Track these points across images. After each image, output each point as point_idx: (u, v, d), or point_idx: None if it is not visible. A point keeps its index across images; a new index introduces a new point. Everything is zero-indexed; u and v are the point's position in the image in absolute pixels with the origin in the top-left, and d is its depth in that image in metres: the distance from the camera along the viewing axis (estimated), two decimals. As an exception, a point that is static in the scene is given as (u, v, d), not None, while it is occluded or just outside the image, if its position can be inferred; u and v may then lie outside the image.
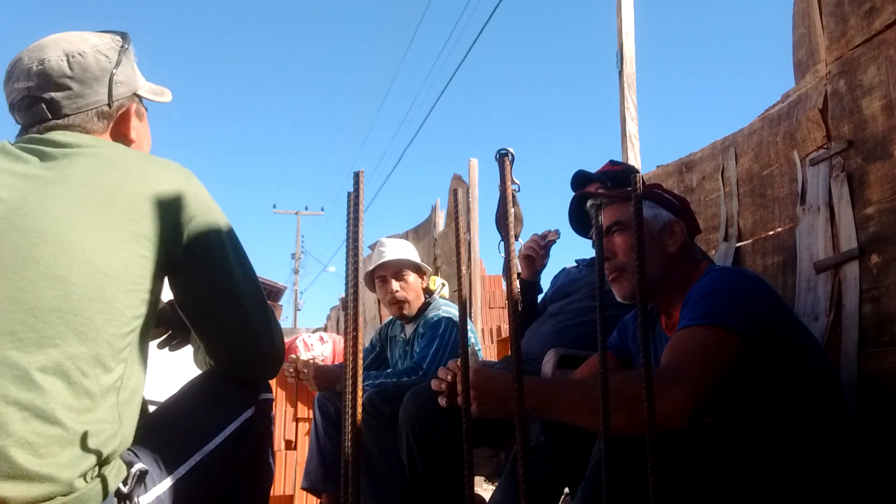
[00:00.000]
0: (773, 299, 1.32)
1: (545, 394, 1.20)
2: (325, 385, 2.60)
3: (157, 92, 1.36)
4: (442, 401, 1.38)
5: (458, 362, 1.34)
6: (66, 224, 1.03)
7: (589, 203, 1.59)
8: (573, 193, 1.72)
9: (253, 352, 1.27)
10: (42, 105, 1.18)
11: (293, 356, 3.02)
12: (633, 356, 1.61)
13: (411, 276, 2.80)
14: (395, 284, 2.77)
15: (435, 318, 2.69)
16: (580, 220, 1.69)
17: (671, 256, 1.46)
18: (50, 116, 1.19)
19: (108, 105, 1.23)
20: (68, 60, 1.19)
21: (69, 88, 1.19)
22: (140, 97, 1.32)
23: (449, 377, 1.37)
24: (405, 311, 2.79)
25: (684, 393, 1.08)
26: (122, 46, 1.26)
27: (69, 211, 1.04)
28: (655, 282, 1.42)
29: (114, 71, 1.23)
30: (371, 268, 2.85)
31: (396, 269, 2.79)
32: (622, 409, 1.02)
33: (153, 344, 1.43)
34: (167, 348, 1.46)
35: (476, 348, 2.82)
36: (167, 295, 1.24)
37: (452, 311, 2.78)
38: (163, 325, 1.42)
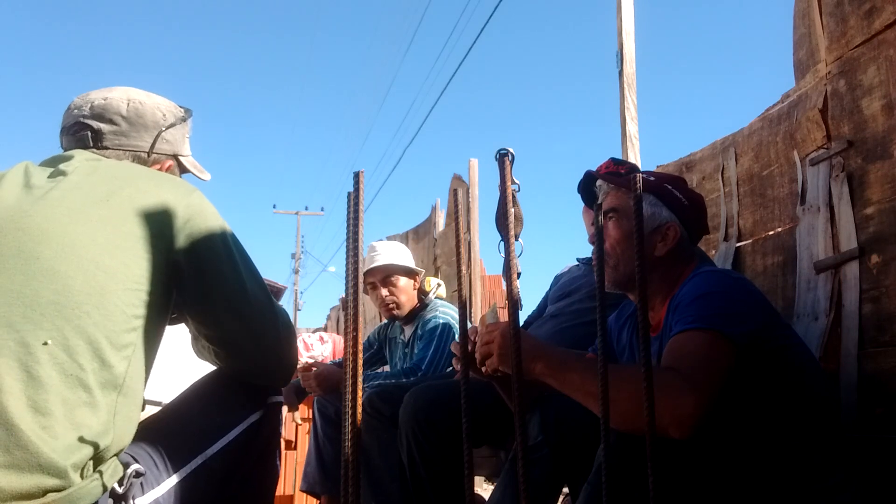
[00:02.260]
0: (760, 302, 1.31)
1: (561, 365, 1.20)
2: (329, 388, 2.59)
3: (198, 167, 1.45)
4: (456, 364, 1.39)
5: (482, 326, 1.35)
6: (68, 224, 1.05)
7: (598, 182, 1.59)
8: (578, 189, 1.72)
9: (263, 361, 1.28)
10: (88, 132, 1.28)
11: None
12: (619, 357, 1.61)
13: (401, 280, 2.80)
14: (383, 291, 2.78)
15: (432, 321, 2.70)
16: (588, 195, 1.68)
17: (655, 259, 1.43)
18: (91, 145, 1.27)
19: (147, 154, 1.32)
20: (128, 104, 1.30)
21: (117, 125, 1.29)
22: (180, 163, 1.40)
23: (469, 345, 1.35)
24: (395, 313, 2.81)
25: (697, 400, 1.07)
26: (182, 116, 1.37)
27: (72, 213, 1.07)
28: (634, 282, 1.40)
29: (164, 128, 1.33)
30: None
31: (385, 274, 2.79)
32: (641, 405, 1.01)
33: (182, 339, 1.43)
34: None
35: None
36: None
37: (450, 311, 2.78)
38: None
